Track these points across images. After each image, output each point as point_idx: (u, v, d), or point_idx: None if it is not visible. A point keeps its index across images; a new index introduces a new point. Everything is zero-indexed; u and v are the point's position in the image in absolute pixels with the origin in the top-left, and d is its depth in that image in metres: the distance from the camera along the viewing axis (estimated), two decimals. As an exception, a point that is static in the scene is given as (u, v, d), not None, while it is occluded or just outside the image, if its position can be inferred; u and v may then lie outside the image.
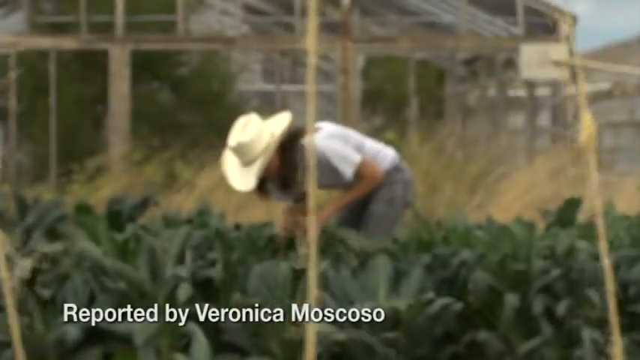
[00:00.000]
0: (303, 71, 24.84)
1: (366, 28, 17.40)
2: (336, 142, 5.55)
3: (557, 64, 12.89)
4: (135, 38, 14.12)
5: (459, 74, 17.88)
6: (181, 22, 14.24)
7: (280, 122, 5.49)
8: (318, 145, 5.44)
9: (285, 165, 5.46)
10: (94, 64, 15.54)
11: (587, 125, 1.67)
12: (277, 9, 17.54)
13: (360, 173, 5.54)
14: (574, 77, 14.00)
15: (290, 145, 5.46)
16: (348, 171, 5.49)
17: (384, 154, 5.76)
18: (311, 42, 1.71)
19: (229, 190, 5.89)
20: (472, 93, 19.51)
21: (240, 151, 5.33)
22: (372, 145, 5.79)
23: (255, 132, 5.32)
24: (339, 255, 5.66)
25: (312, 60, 1.75)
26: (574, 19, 13.93)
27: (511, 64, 15.58)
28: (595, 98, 19.03)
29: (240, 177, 5.39)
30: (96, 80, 15.41)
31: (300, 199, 5.59)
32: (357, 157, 5.53)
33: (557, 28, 13.80)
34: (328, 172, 5.50)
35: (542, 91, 16.51)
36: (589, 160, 1.73)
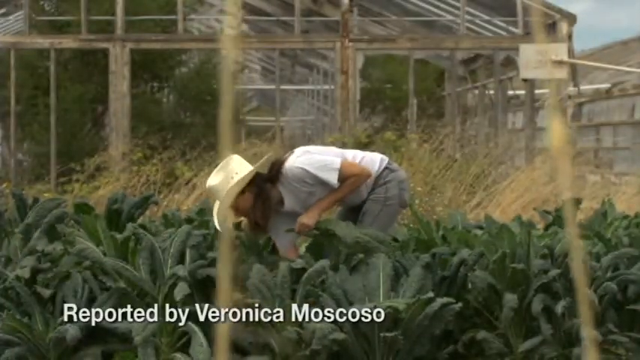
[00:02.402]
0: (302, 71, 24.84)
1: (365, 28, 17.40)
2: (311, 155, 5.56)
3: (557, 63, 12.88)
4: (135, 37, 14.12)
5: (458, 74, 17.88)
6: (181, 22, 14.25)
7: (246, 171, 5.46)
8: (296, 166, 5.48)
9: (256, 209, 5.51)
10: (93, 64, 15.54)
11: (556, 130, 1.67)
12: (277, 9, 17.55)
13: (344, 174, 5.52)
14: (574, 77, 13.98)
15: (261, 188, 5.49)
16: (332, 177, 5.48)
17: (371, 159, 5.73)
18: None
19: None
20: (472, 93, 19.51)
21: (212, 192, 5.56)
22: (355, 153, 5.78)
23: (224, 177, 5.42)
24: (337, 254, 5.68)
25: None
26: (574, 18, 13.93)
27: (511, 63, 15.58)
28: (594, 98, 19.03)
29: (216, 214, 5.54)
30: (96, 79, 15.42)
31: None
32: (337, 162, 5.52)
33: (557, 28, 13.80)
34: (318, 186, 5.53)
35: (542, 91, 16.51)
36: (561, 167, 1.72)
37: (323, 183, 5.50)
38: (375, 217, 5.68)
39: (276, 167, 5.54)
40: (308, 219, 5.56)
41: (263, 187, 5.49)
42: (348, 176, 5.54)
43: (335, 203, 5.76)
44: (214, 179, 5.46)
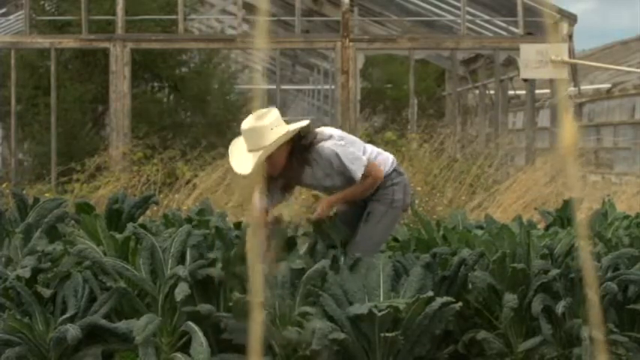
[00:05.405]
0: (303, 70, 24.84)
1: (366, 27, 17.39)
2: (345, 143, 5.62)
3: (557, 63, 12.87)
4: (135, 37, 14.11)
5: (459, 74, 17.88)
6: (181, 22, 14.24)
7: (298, 124, 5.51)
8: (332, 149, 5.51)
9: (291, 166, 5.50)
10: (94, 64, 15.54)
11: (568, 130, 1.66)
12: (278, 9, 17.54)
13: (366, 173, 5.62)
14: (574, 77, 13.97)
15: (301, 148, 5.50)
16: (358, 171, 5.55)
17: (385, 157, 5.84)
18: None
19: (229, 189, 5.90)
20: (472, 93, 19.51)
21: (251, 134, 5.32)
22: (372, 148, 5.87)
23: (272, 121, 5.34)
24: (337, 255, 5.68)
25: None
26: (574, 18, 13.92)
27: (511, 63, 15.57)
28: (595, 98, 19.02)
29: (241, 160, 5.37)
30: (96, 79, 15.41)
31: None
32: (365, 159, 5.62)
33: (557, 28, 13.78)
34: (336, 174, 5.58)
35: (542, 91, 16.51)
36: (570, 167, 1.72)
37: (345, 173, 5.54)
38: (380, 218, 5.74)
39: (314, 140, 5.52)
40: (324, 208, 5.65)
41: (300, 149, 5.49)
42: (368, 175, 5.61)
43: (350, 199, 5.75)
44: (260, 121, 5.30)
